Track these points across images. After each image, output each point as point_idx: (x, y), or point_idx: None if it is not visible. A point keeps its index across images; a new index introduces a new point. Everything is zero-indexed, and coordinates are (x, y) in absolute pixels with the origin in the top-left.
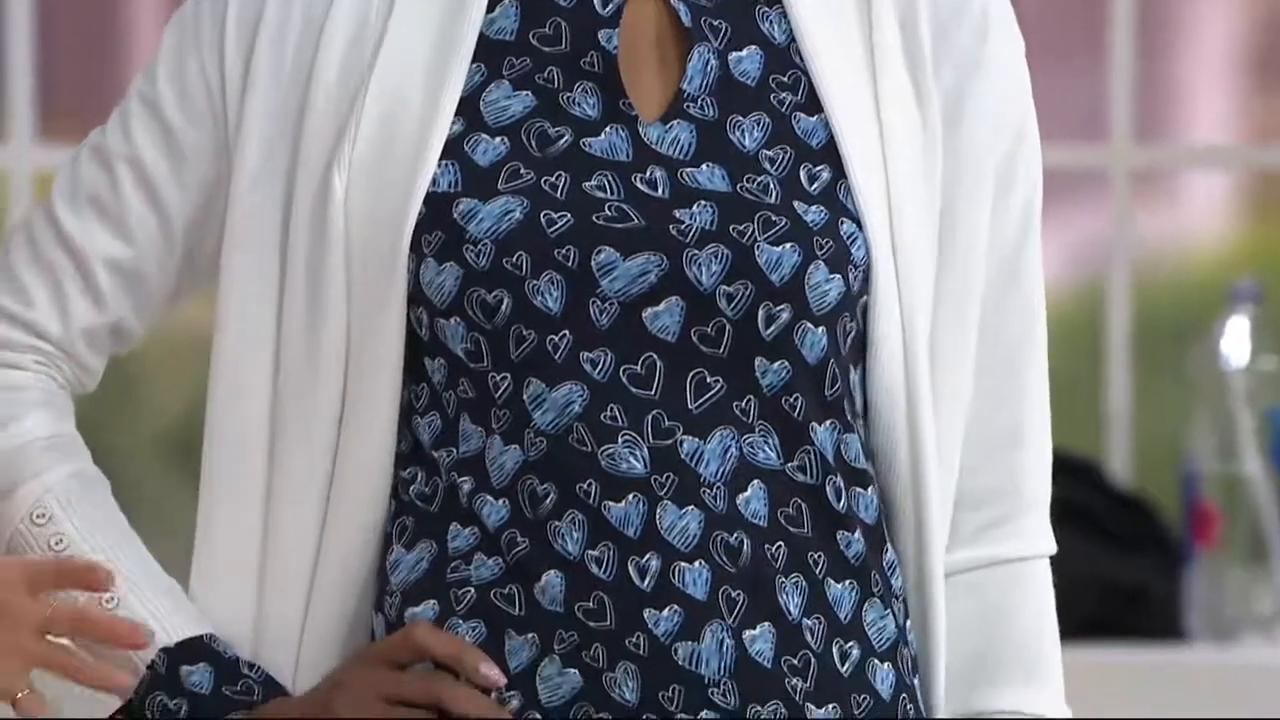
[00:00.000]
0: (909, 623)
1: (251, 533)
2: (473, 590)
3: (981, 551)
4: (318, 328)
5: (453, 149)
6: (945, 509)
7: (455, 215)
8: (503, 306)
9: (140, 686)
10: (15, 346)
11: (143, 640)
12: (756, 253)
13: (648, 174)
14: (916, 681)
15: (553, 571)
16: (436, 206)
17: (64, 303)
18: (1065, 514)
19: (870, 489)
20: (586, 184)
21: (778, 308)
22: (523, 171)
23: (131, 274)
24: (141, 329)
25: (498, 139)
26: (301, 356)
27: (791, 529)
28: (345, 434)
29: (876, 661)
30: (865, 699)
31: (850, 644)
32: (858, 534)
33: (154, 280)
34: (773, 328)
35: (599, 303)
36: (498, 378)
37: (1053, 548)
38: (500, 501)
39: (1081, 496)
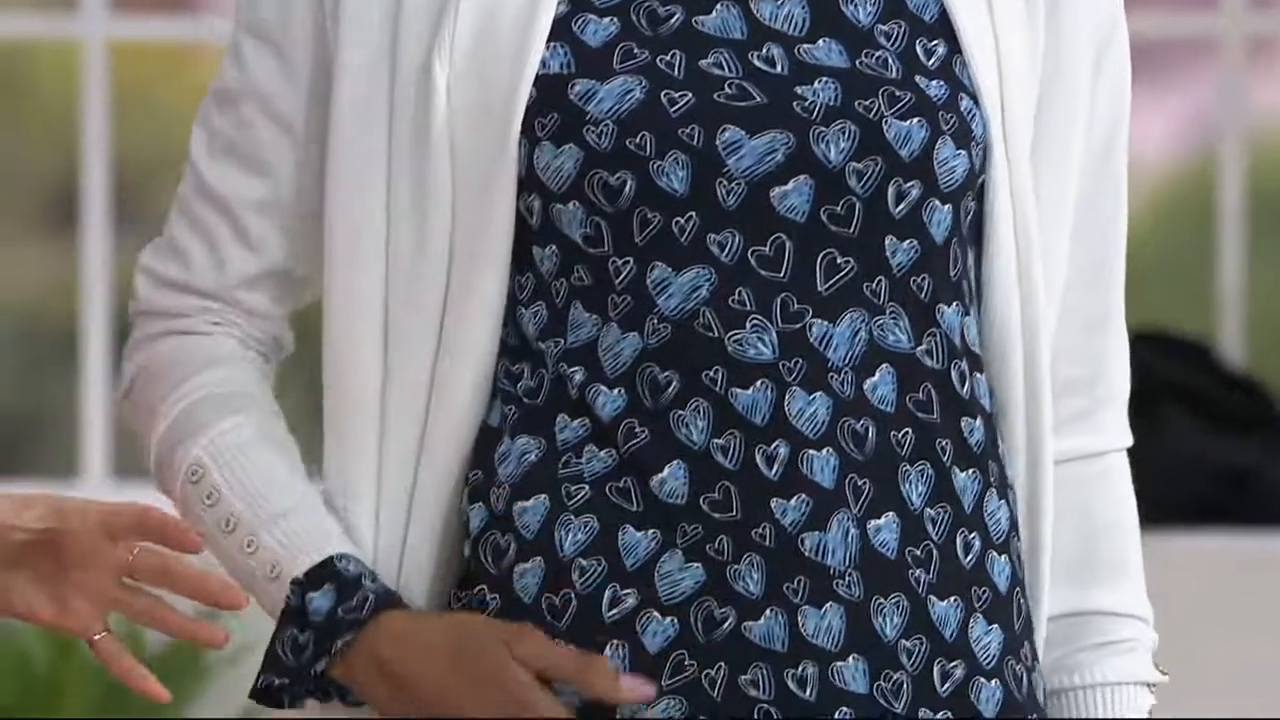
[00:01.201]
0: (1019, 514)
1: (368, 432)
2: (586, 486)
3: (1069, 442)
4: (422, 220)
5: (560, 30)
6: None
7: (572, 96)
8: (626, 188)
9: (277, 625)
10: (187, 312)
11: (238, 600)
12: (885, 128)
13: (764, 51)
14: (1025, 575)
15: (676, 462)
16: (549, 88)
17: (219, 255)
18: (1175, 396)
19: (984, 374)
20: (703, 62)
21: (907, 184)
22: (636, 51)
23: (276, 210)
24: (306, 273)
25: (606, 19)
26: (407, 255)
27: (920, 415)
28: (447, 327)
29: (995, 553)
30: (985, 592)
31: (972, 535)
32: (979, 421)
33: (299, 211)
34: (902, 205)
35: (726, 183)
36: (619, 262)
37: (1130, 441)
38: (615, 391)
39: (1192, 378)
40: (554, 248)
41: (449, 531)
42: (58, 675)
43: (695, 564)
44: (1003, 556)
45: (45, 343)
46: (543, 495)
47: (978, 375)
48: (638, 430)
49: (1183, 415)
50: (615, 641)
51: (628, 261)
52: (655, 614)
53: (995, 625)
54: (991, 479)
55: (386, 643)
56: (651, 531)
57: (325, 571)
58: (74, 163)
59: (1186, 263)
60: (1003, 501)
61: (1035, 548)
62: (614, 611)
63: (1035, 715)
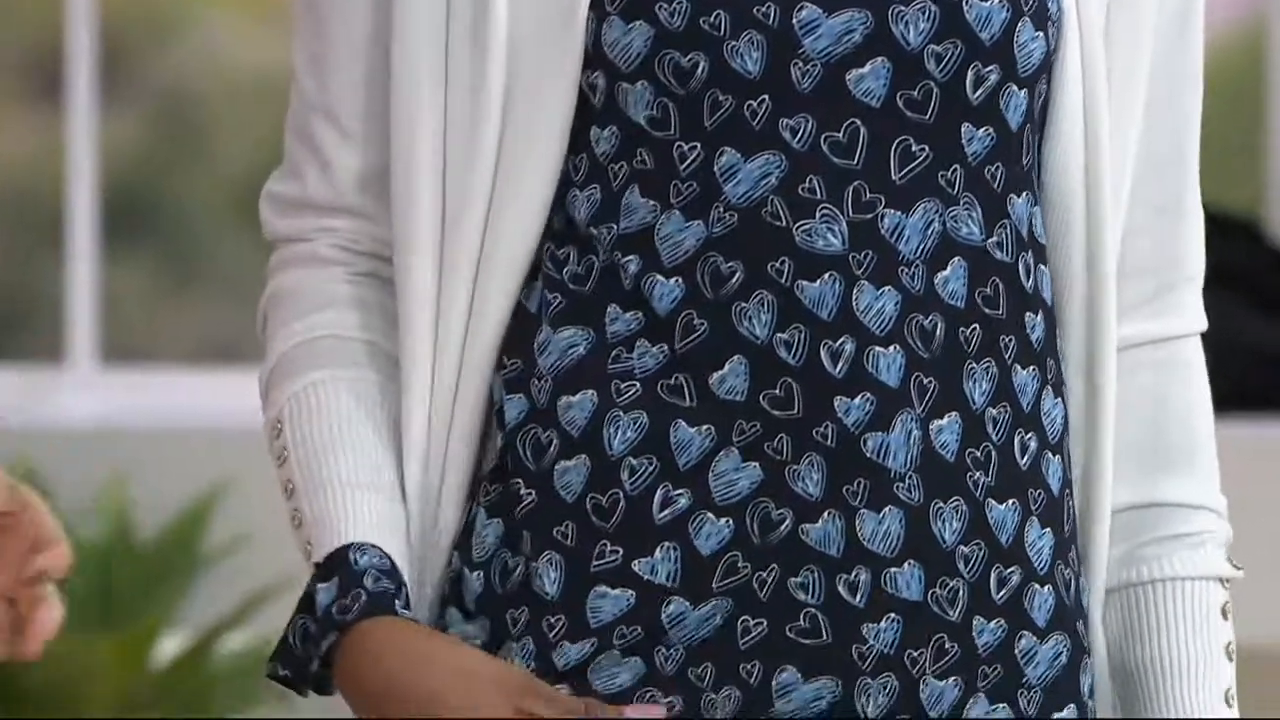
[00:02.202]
0: (1076, 409)
1: (425, 315)
2: (638, 383)
3: (1138, 327)
4: (478, 94)
5: None
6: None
7: None
8: (698, 70)
9: (294, 610)
10: (308, 235)
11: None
12: (965, 9)
13: None
14: (1076, 474)
15: (737, 357)
16: None
17: (323, 160)
18: (1221, 277)
19: (1047, 266)
20: None
21: (986, 69)
22: None
23: (371, 99)
24: None
25: None
26: (461, 125)
27: (987, 310)
28: (495, 201)
29: (1049, 454)
30: (1040, 494)
31: (1029, 435)
32: (1039, 315)
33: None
34: (980, 90)
35: (801, 64)
36: (685, 147)
37: (1204, 325)
38: (673, 281)
39: (1239, 257)
40: (614, 129)
41: (484, 418)
42: None
43: (752, 463)
44: (1056, 457)
45: (31, 220)
46: (590, 391)
47: (1041, 267)
48: (696, 323)
49: (1229, 297)
50: (666, 544)
51: (694, 146)
52: (709, 515)
53: (1048, 529)
54: (1049, 376)
55: (361, 655)
56: (705, 428)
57: (335, 561)
58: (59, 29)
59: (1235, 138)
60: (1058, 399)
61: (1095, 442)
62: (665, 513)
63: (1081, 621)
